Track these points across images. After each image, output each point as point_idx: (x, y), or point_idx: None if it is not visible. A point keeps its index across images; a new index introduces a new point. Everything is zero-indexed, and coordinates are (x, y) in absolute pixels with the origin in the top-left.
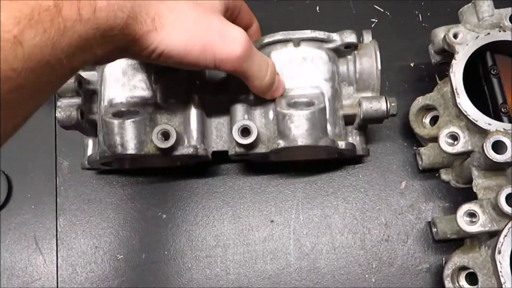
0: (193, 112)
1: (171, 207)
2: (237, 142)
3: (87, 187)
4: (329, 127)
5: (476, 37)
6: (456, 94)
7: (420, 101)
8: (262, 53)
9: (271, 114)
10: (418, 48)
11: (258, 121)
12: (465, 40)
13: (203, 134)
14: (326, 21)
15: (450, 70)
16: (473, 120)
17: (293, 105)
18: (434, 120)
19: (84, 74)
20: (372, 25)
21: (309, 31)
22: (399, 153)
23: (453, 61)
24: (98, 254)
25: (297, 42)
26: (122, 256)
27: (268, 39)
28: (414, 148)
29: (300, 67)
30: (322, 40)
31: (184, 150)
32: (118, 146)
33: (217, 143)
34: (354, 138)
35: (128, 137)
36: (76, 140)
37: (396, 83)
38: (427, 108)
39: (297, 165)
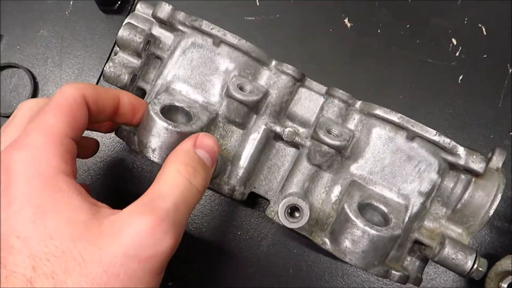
0: (250, 147)
1: None
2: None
3: None
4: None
5: None
6: None
7: (508, 264)
8: (363, 120)
9: (335, 192)
10: None
11: (317, 193)
12: None
13: (250, 174)
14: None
15: None
16: None
17: (365, 207)
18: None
19: (159, 32)
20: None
21: (434, 131)
22: None
23: None
24: None
25: (412, 137)
26: None
27: (379, 112)
28: None
29: (400, 165)
30: (443, 148)
31: (220, 186)
32: (149, 148)
33: (261, 186)
34: (413, 263)
35: (164, 147)
36: None
37: (498, 218)
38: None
39: None
